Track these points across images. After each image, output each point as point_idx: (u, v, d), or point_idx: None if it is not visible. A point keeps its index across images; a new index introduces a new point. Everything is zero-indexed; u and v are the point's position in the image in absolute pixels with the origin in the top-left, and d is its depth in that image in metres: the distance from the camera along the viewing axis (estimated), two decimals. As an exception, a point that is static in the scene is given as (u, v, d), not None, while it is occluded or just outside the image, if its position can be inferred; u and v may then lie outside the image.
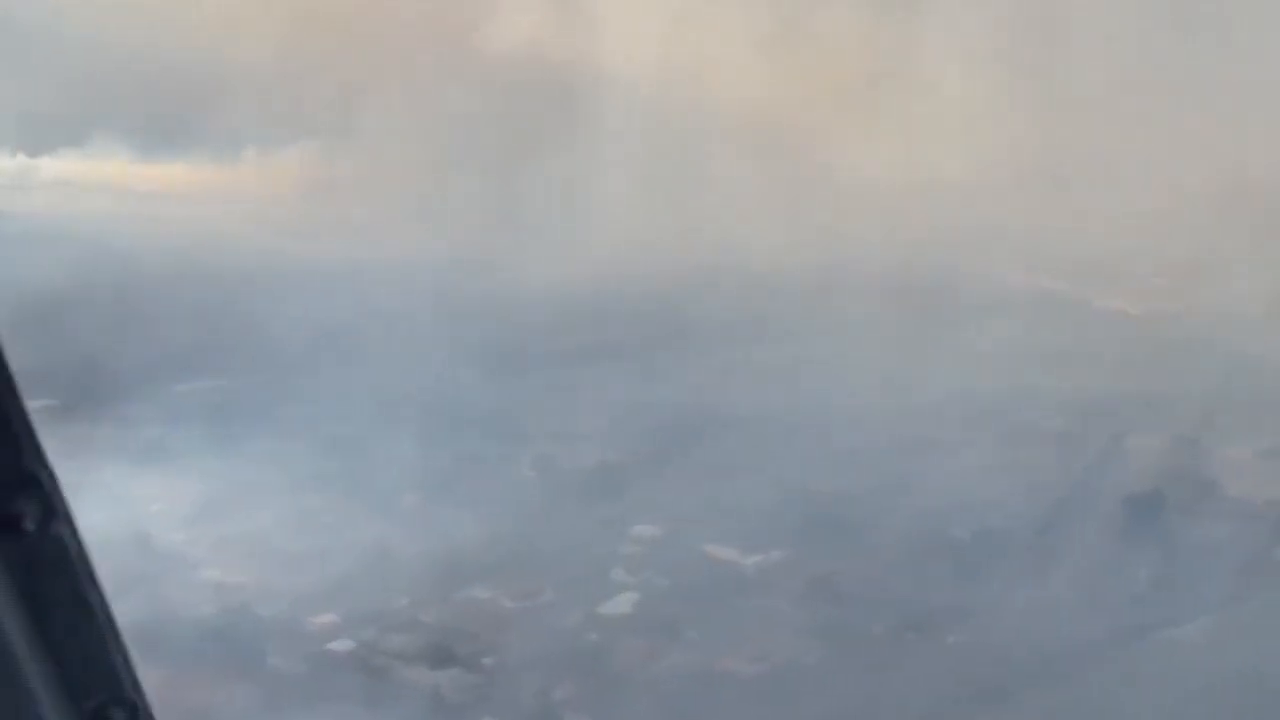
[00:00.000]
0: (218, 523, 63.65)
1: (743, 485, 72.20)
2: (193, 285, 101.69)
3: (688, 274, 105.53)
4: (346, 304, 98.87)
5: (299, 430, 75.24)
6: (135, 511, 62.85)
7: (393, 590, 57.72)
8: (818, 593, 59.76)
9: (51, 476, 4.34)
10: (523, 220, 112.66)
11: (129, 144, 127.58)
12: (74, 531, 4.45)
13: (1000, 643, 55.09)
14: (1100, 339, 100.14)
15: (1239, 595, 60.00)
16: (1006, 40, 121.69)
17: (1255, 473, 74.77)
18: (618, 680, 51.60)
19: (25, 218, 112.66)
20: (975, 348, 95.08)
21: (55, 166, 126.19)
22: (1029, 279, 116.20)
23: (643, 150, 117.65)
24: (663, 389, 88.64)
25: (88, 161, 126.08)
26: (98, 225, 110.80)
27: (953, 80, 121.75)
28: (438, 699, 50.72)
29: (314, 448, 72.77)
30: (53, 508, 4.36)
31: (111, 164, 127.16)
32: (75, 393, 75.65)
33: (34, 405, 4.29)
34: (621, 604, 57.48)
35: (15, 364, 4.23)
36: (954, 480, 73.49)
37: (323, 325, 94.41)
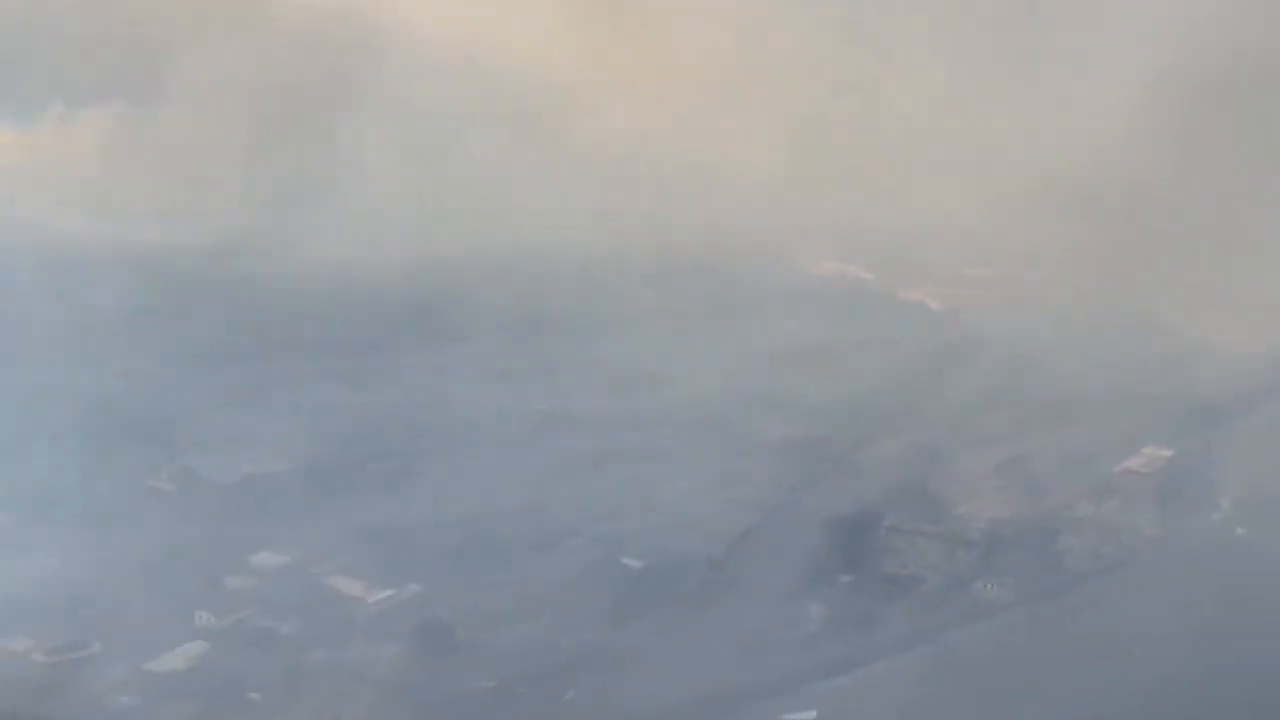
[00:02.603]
0: None
1: (409, 504, 63.66)
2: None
3: (461, 260, 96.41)
4: (68, 294, 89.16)
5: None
6: None
7: (-95, 642, 48.12)
8: (435, 639, 51.08)
9: None
10: (307, 197, 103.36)
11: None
12: None
13: (624, 699, 46.73)
14: (887, 334, 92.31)
15: (918, 637, 52.19)
16: (824, 27, 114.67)
17: (986, 488, 67.19)
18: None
19: None
20: (744, 344, 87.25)
21: None
22: (838, 268, 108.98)
23: (434, 127, 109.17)
24: (373, 390, 79.44)
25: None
26: None
27: (770, 65, 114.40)
28: None
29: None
30: None
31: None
32: None
33: None
34: (181, 657, 48.28)
35: None
36: (653, 498, 65.29)
37: (18, 318, 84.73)
